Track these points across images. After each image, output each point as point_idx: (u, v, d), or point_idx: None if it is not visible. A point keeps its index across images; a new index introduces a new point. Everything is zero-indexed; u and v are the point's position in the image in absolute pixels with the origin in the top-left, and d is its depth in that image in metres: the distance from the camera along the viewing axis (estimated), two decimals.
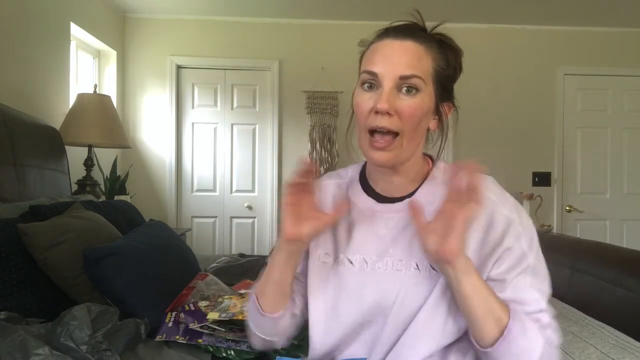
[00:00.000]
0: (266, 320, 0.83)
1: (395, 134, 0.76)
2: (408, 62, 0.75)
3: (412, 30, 0.78)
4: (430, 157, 0.89)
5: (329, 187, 0.91)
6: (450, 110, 0.85)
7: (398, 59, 0.75)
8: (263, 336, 0.86)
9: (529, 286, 0.76)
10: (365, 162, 0.91)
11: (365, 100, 0.77)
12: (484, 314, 0.71)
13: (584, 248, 2.04)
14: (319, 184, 0.92)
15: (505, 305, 0.73)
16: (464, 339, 0.78)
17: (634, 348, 1.23)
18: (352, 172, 0.92)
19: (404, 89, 0.75)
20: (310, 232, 0.77)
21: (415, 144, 0.80)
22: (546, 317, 0.77)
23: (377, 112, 0.75)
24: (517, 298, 0.75)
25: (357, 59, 0.83)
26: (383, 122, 0.74)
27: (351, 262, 0.83)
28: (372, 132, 0.77)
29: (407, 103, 0.75)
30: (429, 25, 0.81)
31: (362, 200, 0.86)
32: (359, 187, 0.88)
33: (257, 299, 0.84)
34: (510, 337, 0.70)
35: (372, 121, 0.76)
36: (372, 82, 0.77)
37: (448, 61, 0.80)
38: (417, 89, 0.75)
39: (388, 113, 0.74)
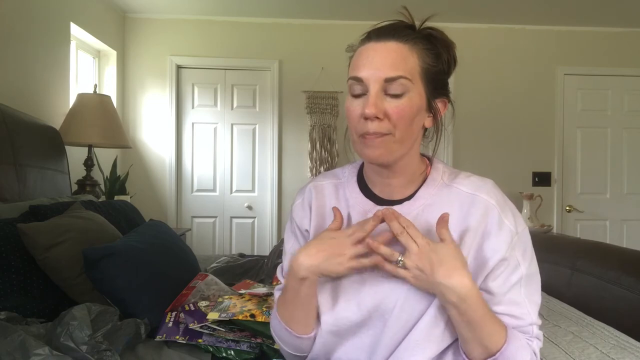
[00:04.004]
0: (304, 340, 0.83)
1: (387, 133, 0.75)
2: (392, 63, 0.73)
3: (394, 30, 0.76)
4: (428, 158, 0.87)
5: (327, 188, 0.90)
6: (445, 106, 0.83)
7: (381, 61, 0.74)
8: (302, 354, 0.86)
9: (523, 298, 0.77)
10: (363, 163, 0.90)
11: (355, 106, 0.77)
12: (473, 341, 0.73)
13: (584, 248, 2.04)
14: (316, 185, 0.91)
15: (499, 330, 0.74)
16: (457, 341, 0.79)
17: (634, 348, 1.23)
18: (348, 172, 0.91)
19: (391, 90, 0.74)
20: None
21: (409, 142, 0.78)
22: (535, 329, 0.79)
23: (366, 118, 0.74)
24: (511, 312, 0.77)
25: None
26: (373, 127, 0.74)
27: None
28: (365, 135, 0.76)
29: (394, 105, 0.74)
30: (418, 22, 0.79)
31: (360, 202, 0.85)
32: (357, 188, 0.87)
33: (287, 326, 0.83)
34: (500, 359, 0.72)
35: (362, 127, 0.75)
36: (359, 88, 0.76)
37: (438, 56, 0.78)
38: (405, 89, 0.74)
39: (377, 117, 0.73)
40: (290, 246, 0.92)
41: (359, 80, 0.75)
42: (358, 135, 0.77)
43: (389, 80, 0.73)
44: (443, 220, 0.74)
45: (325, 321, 0.83)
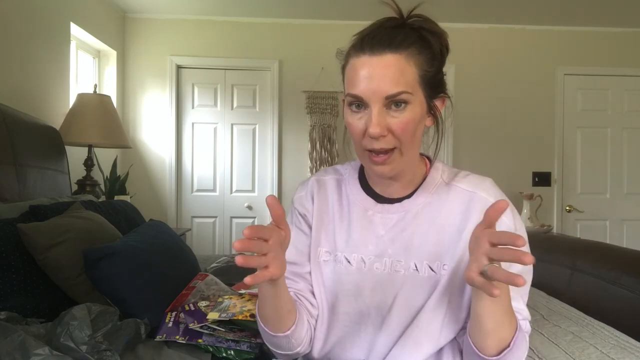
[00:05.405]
0: (279, 338, 0.80)
1: (393, 148, 0.75)
2: (391, 80, 0.71)
3: (388, 40, 0.73)
4: (428, 158, 0.88)
5: (329, 183, 0.90)
6: (444, 103, 0.82)
7: (380, 78, 0.71)
8: (285, 352, 0.83)
9: (516, 294, 0.77)
10: None
11: (356, 121, 0.75)
12: (497, 332, 0.69)
13: (584, 248, 2.04)
14: (318, 179, 0.91)
15: (514, 317, 0.71)
16: (454, 338, 0.79)
17: (634, 348, 1.23)
18: (350, 169, 0.91)
19: (393, 105, 0.73)
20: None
21: (414, 150, 0.79)
22: (528, 325, 0.79)
23: (370, 137, 0.73)
24: None
25: None
26: (379, 144, 0.73)
27: (349, 262, 0.83)
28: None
29: (398, 120, 0.73)
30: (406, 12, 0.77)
31: (361, 199, 0.85)
32: (358, 185, 0.88)
33: (261, 322, 0.80)
34: (509, 354, 0.70)
35: (367, 143, 0.75)
36: (359, 104, 0.75)
37: (433, 54, 0.76)
38: (407, 102, 0.73)
39: (382, 135, 0.73)
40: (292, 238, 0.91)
41: (358, 98, 0.74)
42: (364, 150, 0.76)
43: (390, 97, 0.72)
44: (500, 209, 0.62)
45: (324, 318, 0.83)
